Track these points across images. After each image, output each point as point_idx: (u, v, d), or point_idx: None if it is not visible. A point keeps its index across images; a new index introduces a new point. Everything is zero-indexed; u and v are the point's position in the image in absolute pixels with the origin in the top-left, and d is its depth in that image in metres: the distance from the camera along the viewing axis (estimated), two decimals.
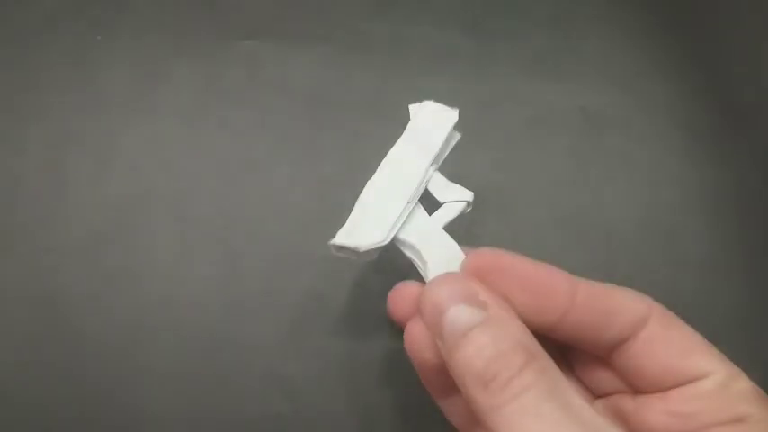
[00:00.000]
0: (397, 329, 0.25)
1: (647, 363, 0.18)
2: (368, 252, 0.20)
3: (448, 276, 0.18)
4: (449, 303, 0.17)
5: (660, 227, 0.27)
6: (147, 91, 0.29)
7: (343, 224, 0.21)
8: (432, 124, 0.23)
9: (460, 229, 0.26)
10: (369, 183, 0.22)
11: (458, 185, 0.22)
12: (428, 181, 0.22)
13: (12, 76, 0.29)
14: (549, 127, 0.29)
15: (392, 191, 0.21)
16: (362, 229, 0.20)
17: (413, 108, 0.23)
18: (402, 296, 0.20)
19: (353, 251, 0.20)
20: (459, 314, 0.16)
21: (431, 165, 0.22)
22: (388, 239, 0.20)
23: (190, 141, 0.28)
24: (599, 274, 0.27)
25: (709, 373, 0.17)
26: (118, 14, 0.30)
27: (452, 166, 0.28)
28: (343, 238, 0.20)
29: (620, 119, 0.29)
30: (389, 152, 0.22)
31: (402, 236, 0.21)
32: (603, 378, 0.19)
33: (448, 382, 0.17)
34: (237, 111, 0.29)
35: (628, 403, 0.18)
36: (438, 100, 0.29)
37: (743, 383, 0.17)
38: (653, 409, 0.18)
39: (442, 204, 0.22)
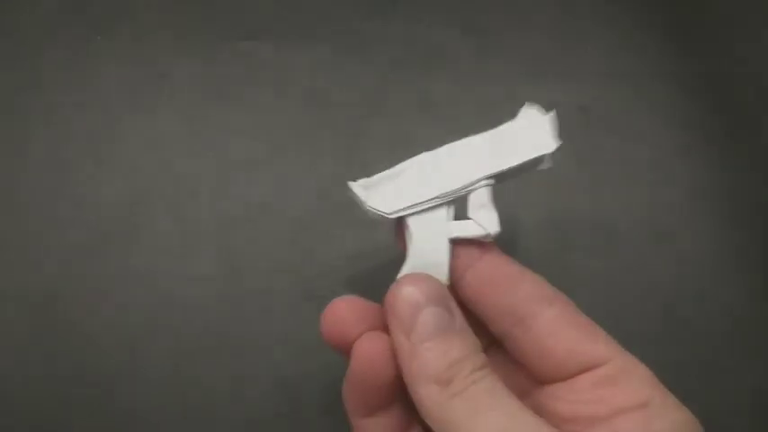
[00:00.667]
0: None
1: (552, 344, 0.18)
2: (371, 212, 0.20)
3: (422, 276, 0.18)
4: (426, 303, 0.17)
5: (660, 227, 0.27)
6: (147, 91, 0.29)
7: (371, 181, 0.20)
8: (523, 140, 0.21)
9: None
10: (424, 154, 0.21)
11: (495, 213, 0.20)
12: (474, 190, 0.20)
13: (12, 76, 0.29)
14: None
15: (433, 178, 0.20)
16: (381, 191, 0.20)
17: (524, 109, 0.21)
18: (345, 314, 0.19)
19: (362, 202, 0.20)
20: (433, 316, 0.17)
21: (489, 177, 0.20)
22: (392, 216, 0.20)
23: (190, 141, 0.28)
24: (599, 273, 0.27)
25: (611, 359, 0.18)
26: (118, 14, 0.30)
27: None
28: (359, 186, 0.20)
29: (620, 119, 0.29)
30: (466, 139, 0.21)
31: (409, 221, 0.20)
32: (515, 379, 0.20)
33: (382, 397, 0.18)
34: (237, 111, 0.29)
35: (537, 397, 0.19)
36: (438, 100, 0.29)
37: (642, 369, 0.18)
38: (561, 398, 0.18)
39: (469, 219, 0.20)
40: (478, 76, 0.30)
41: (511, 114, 0.29)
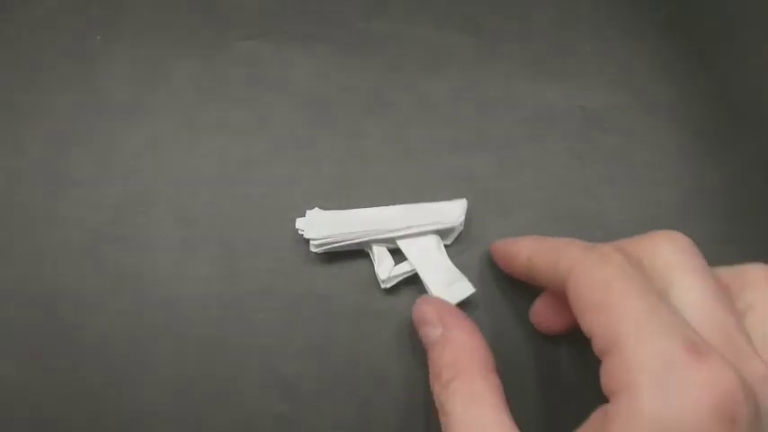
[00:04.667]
0: (395, 329, 0.25)
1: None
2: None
3: (428, 302, 0.24)
4: (425, 321, 0.23)
5: (660, 227, 0.27)
6: (147, 91, 0.29)
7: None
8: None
9: (462, 229, 0.26)
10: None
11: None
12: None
13: (12, 75, 0.29)
14: (549, 127, 0.29)
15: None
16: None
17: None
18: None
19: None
20: (427, 331, 0.23)
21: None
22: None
23: (190, 141, 0.28)
24: None
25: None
26: (118, 14, 0.30)
27: (453, 167, 0.28)
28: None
29: (620, 119, 0.29)
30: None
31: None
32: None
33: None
34: (237, 111, 0.29)
35: None
36: (438, 100, 0.29)
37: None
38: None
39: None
40: (478, 75, 0.30)
41: (511, 114, 0.29)
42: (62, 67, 0.29)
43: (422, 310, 0.23)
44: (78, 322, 0.25)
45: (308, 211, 0.26)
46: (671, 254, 0.20)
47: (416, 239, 0.26)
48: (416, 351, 0.25)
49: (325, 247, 0.25)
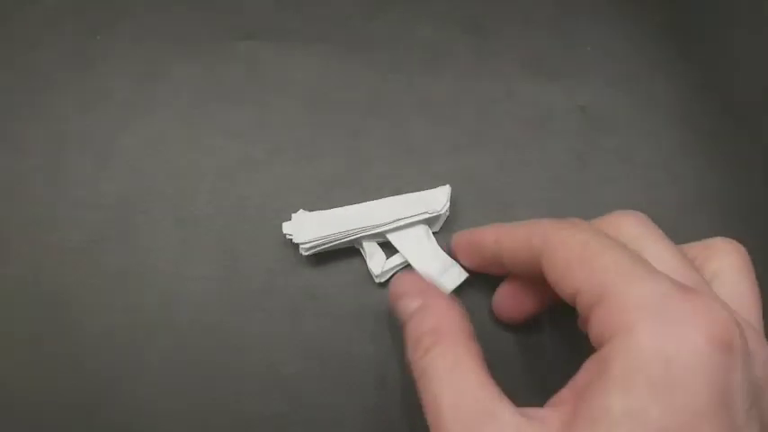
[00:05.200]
0: (395, 329, 0.25)
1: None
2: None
3: (406, 276, 0.24)
4: (403, 294, 0.23)
5: (660, 227, 0.27)
6: (147, 91, 0.29)
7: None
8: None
9: (462, 229, 0.26)
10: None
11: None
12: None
13: (12, 76, 0.29)
14: (549, 127, 0.29)
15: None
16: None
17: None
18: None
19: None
20: (405, 304, 0.22)
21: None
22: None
23: (190, 141, 0.28)
24: None
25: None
26: (118, 14, 0.30)
27: (453, 167, 0.28)
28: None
29: (620, 119, 0.29)
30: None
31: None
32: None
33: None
34: (237, 110, 0.29)
35: None
36: (438, 100, 0.29)
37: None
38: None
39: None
40: (478, 75, 0.30)
41: (511, 114, 0.29)
42: (62, 67, 0.29)
43: (400, 283, 0.23)
44: (78, 322, 0.25)
45: (293, 215, 0.26)
46: (634, 227, 0.20)
47: (405, 231, 0.26)
48: None
49: (314, 249, 0.25)
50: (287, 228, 0.25)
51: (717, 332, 0.16)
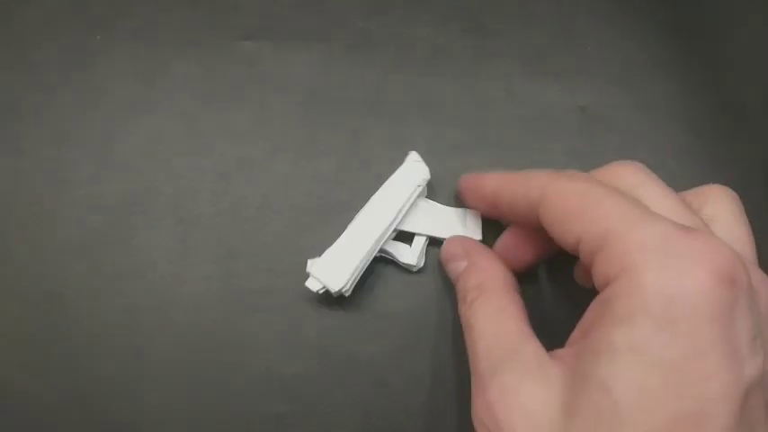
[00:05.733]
0: (396, 329, 0.25)
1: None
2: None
3: (454, 240, 0.25)
4: (452, 257, 0.25)
5: None
6: (147, 91, 0.29)
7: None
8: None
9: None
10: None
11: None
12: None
13: (12, 76, 0.29)
14: (549, 127, 0.29)
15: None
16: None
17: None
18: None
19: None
20: (455, 266, 0.24)
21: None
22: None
23: (190, 141, 0.28)
24: None
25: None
26: (118, 14, 0.30)
27: (453, 167, 0.28)
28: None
29: (620, 119, 0.29)
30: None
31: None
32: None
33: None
34: (237, 110, 0.29)
35: None
36: (438, 99, 0.29)
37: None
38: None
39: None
40: (478, 75, 0.30)
41: (511, 114, 0.29)
42: (62, 67, 0.29)
43: (449, 247, 0.25)
44: (78, 322, 0.25)
45: (310, 266, 0.24)
46: (633, 176, 0.21)
47: (411, 213, 0.26)
48: (416, 351, 0.25)
49: (354, 283, 0.25)
50: (313, 285, 0.24)
51: (720, 267, 0.16)
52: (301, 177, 0.28)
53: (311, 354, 0.25)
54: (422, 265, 0.26)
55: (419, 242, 0.26)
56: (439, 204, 0.26)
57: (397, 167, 0.27)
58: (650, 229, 0.17)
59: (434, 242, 0.27)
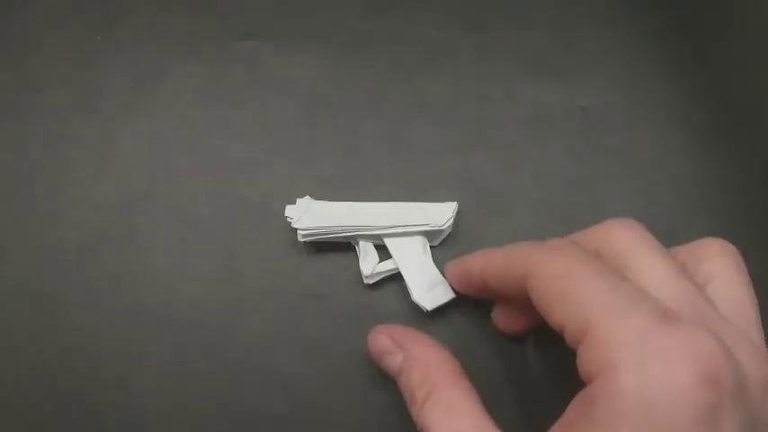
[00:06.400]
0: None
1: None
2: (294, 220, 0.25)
3: (378, 332, 0.23)
4: (383, 350, 0.23)
5: (660, 227, 0.27)
6: (147, 91, 0.29)
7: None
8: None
9: (463, 230, 0.26)
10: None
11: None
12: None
13: (12, 75, 0.29)
14: (549, 127, 0.29)
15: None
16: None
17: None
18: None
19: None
20: (389, 361, 0.23)
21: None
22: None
23: (190, 141, 0.28)
24: None
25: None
26: (118, 14, 0.30)
27: (453, 167, 0.28)
28: (292, 209, 0.26)
29: (620, 119, 0.29)
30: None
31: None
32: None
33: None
34: (237, 111, 0.29)
35: None
36: (438, 100, 0.29)
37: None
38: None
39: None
40: (478, 75, 0.30)
41: (511, 114, 0.29)
42: (62, 67, 0.29)
43: (376, 342, 0.23)
44: (78, 322, 0.25)
45: (298, 199, 0.26)
46: (625, 238, 0.20)
47: (403, 239, 0.26)
48: None
49: (311, 238, 0.25)
50: (289, 211, 0.26)
51: (702, 367, 0.15)
52: (301, 177, 0.28)
53: (311, 354, 0.25)
54: (371, 282, 0.26)
55: (386, 266, 0.26)
56: (430, 257, 0.26)
57: (398, 167, 0.27)
58: (630, 322, 0.16)
59: (434, 242, 0.27)
